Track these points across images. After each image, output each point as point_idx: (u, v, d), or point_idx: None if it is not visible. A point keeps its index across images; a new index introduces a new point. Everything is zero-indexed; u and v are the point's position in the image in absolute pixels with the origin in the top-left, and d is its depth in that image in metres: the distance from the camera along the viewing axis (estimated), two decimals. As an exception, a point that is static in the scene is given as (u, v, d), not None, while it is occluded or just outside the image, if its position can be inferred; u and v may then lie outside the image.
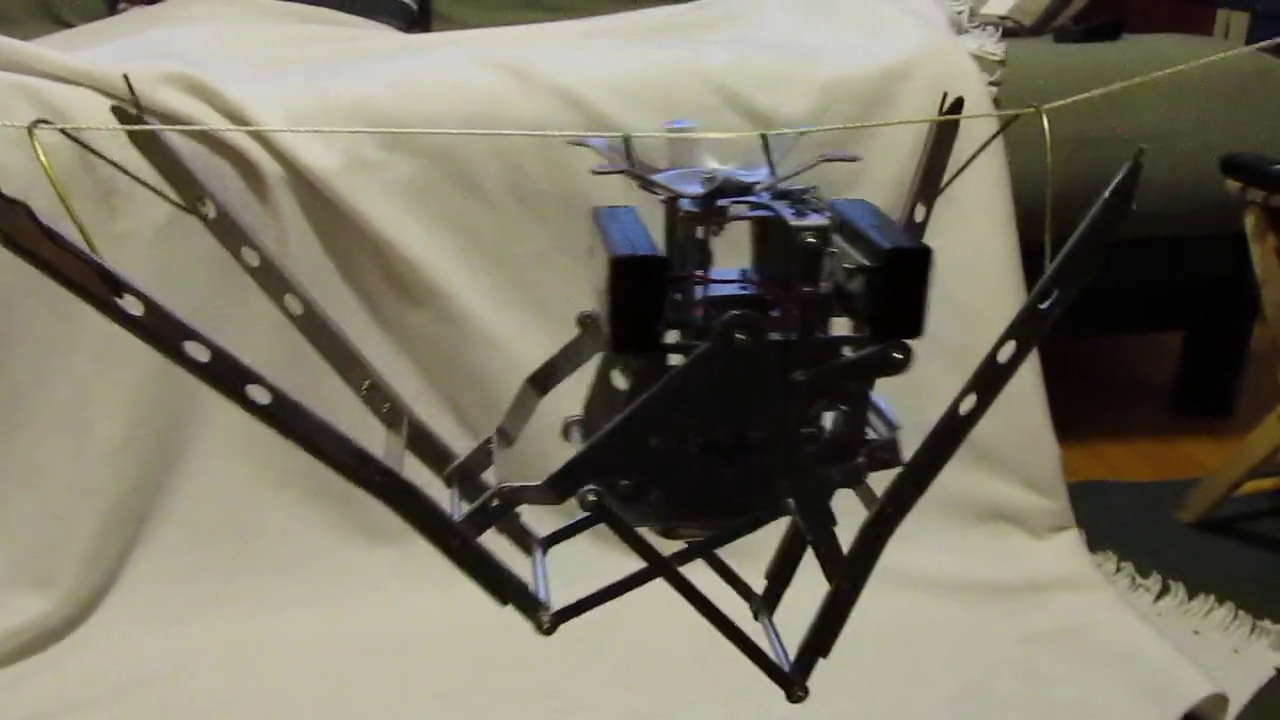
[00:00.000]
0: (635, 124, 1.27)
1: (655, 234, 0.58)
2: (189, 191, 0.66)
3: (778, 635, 0.68)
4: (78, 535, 1.21)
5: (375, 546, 1.30)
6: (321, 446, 0.55)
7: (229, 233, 0.67)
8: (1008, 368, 0.58)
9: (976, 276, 1.33)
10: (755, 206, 0.57)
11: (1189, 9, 2.04)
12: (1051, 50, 1.59)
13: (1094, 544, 1.37)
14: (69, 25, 1.90)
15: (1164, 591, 1.31)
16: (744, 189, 0.57)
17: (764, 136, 0.62)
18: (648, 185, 0.58)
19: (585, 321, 0.65)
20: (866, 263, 0.55)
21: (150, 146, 0.65)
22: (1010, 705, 1.10)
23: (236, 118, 1.23)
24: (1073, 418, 1.51)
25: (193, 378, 1.28)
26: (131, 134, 0.65)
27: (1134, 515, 1.49)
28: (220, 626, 1.23)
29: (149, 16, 1.72)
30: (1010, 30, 1.73)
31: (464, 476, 0.72)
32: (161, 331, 0.50)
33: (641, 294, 0.53)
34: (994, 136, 0.79)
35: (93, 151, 0.59)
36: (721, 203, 0.57)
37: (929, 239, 1.38)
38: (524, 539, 0.72)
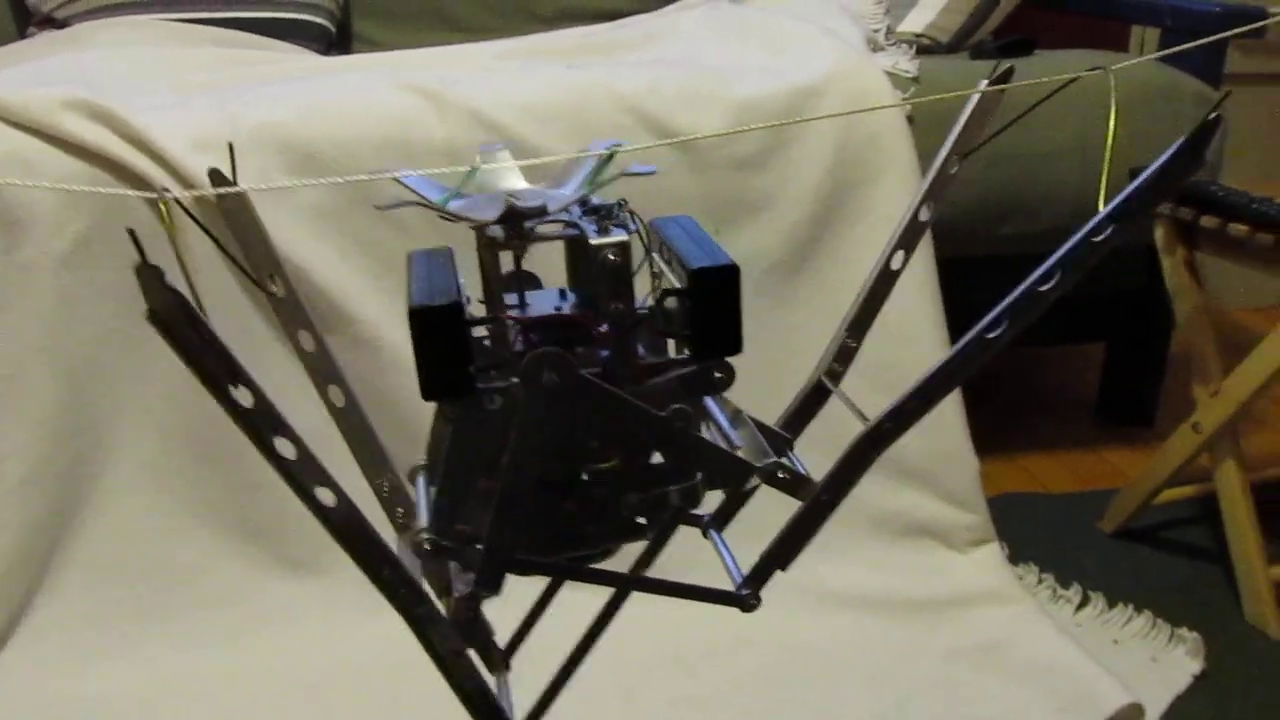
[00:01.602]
0: (548, 145, 1.26)
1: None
2: (265, 265, 0.65)
3: (729, 549, 0.67)
4: (-21, 575, 1.17)
5: (295, 579, 1.28)
6: (368, 555, 0.55)
7: (292, 314, 0.67)
8: (1044, 298, 0.57)
9: (894, 293, 1.33)
10: (561, 227, 0.56)
11: (1105, 25, 2.07)
12: (965, 67, 1.61)
13: (1016, 556, 1.38)
14: (-23, 51, 1.85)
15: (1084, 602, 1.32)
16: (538, 210, 0.55)
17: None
18: (445, 215, 0.57)
19: None
20: (677, 284, 0.55)
21: (234, 216, 0.63)
22: (930, 721, 1.10)
23: (140, 145, 1.21)
24: (997, 431, 1.53)
25: (101, 409, 1.25)
26: (223, 204, 0.63)
27: (1056, 526, 1.51)
28: (135, 668, 1.20)
29: (58, 40, 1.69)
30: (926, 48, 1.75)
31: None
32: (263, 425, 0.51)
33: (441, 341, 0.52)
34: (1053, 93, 0.77)
35: (194, 220, 0.57)
36: (529, 224, 0.55)
37: (846, 257, 1.39)
38: (492, 654, 0.72)
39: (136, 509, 1.24)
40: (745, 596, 0.62)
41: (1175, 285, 1.37)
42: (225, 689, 1.17)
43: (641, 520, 0.59)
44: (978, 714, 1.11)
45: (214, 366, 0.48)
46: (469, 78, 1.33)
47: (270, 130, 1.25)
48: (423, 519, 0.59)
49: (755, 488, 0.66)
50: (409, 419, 1.26)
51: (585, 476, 0.57)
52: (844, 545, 1.30)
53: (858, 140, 1.35)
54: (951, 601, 1.26)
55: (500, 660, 0.71)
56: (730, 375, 0.57)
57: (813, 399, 0.71)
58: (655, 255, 0.60)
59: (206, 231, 0.56)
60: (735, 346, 0.56)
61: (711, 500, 0.70)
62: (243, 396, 0.50)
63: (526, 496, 0.55)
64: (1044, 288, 0.56)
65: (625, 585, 0.62)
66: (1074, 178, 1.52)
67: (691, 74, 1.36)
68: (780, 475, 0.60)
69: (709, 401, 0.61)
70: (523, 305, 0.59)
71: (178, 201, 0.54)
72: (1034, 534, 1.47)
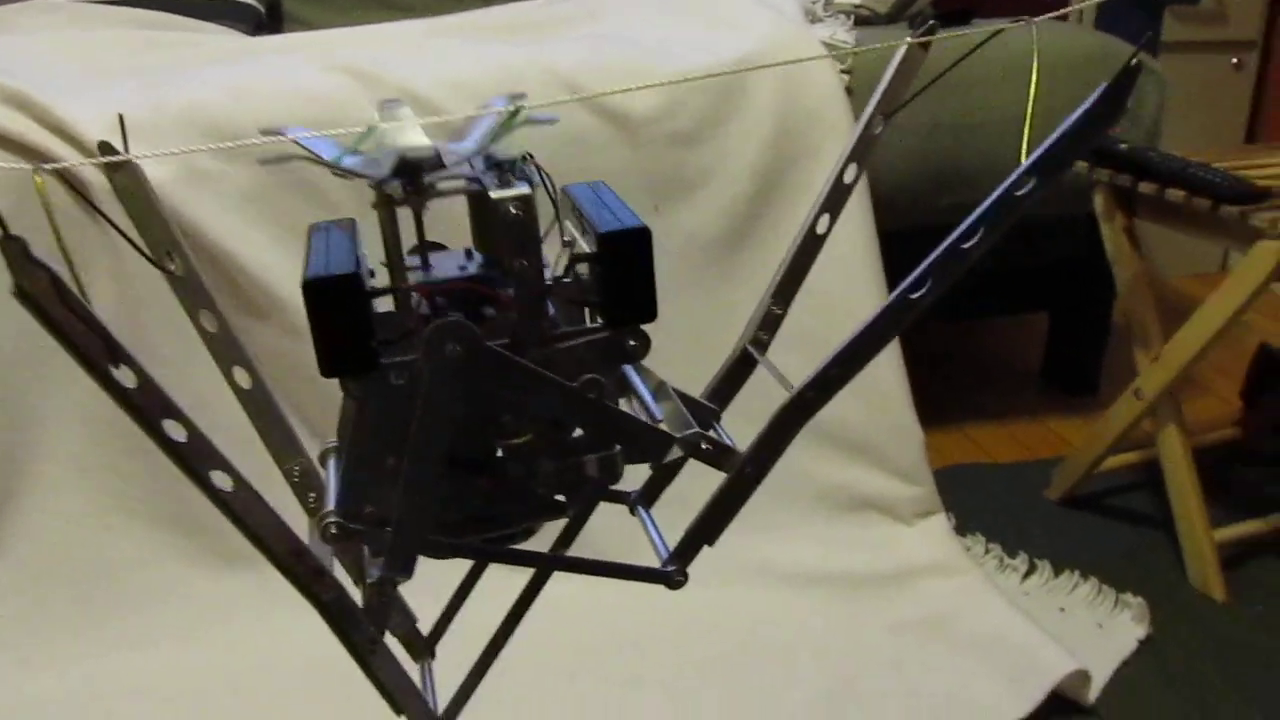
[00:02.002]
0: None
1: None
2: (159, 245, 0.62)
3: (656, 527, 0.64)
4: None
5: (233, 573, 1.25)
6: (267, 539, 0.53)
7: (193, 294, 0.64)
8: (966, 255, 0.54)
9: (834, 266, 1.32)
10: (461, 181, 0.53)
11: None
12: (903, 37, 1.60)
13: (963, 527, 1.38)
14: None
15: (1031, 570, 1.32)
16: (435, 162, 0.52)
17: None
18: (338, 171, 0.53)
19: None
20: (587, 248, 0.53)
21: (127, 194, 0.60)
22: (879, 696, 1.10)
23: (62, 132, 1.18)
24: (942, 403, 1.53)
25: (28, 402, 1.21)
26: (113, 179, 0.60)
27: (1003, 496, 1.51)
28: (69, 670, 1.17)
29: (-23, 27, 1.64)
30: (865, 19, 1.74)
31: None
32: (148, 407, 0.48)
33: (338, 315, 0.49)
34: (975, 49, 0.75)
35: (77, 191, 0.54)
36: (428, 179, 0.52)
37: (787, 232, 1.37)
38: (414, 641, 0.71)
39: (67, 506, 1.21)
40: (671, 573, 0.60)
41: (1115, 252, 1.37)
42: (162, 688, 1.14)
43: (560, 497, 0.57)
44: (925, 686, 1.11)
45: (91, 346, 0.45)
46: (401, 57, 1.31)
47: (196, 113, 1.22)
48: (330, 501, 0.57)
49: (681, 462, 0.65)
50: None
51: (499, 453, 0.55)
52: (789, 521, 1.29)
53: (796, 114, 1.34)
54: (898, 574, 1.26)
55: (424, 648, 0.69)
56: (645, 343, 0.55)
57: (739, 369, 0.69)
58: (568, 223, 0.58)
59: (94, 207, 0.53)
60: (649, 313, 0.54)
61: (639, 477, 0.69)
62: (125, 377, 0.47)
63: (436, 475, 0.53)
64: (966, 245, 0.54)
65: (545, 565, 0.61)
66: (1013, 147, 1.52)
67: (627, 49, 1.34)
68: (704, 447, 0.57)
69: (631, 374, 0.59)
70: (426, 268, 0.56)
71: (62, 176, 0.51)
72: (981, 504, 1.47)
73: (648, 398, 0.59)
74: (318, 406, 1.26)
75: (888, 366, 1.33)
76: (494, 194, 0.51)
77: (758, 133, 1.33)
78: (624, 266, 0.52)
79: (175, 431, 0.49)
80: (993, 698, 1.08)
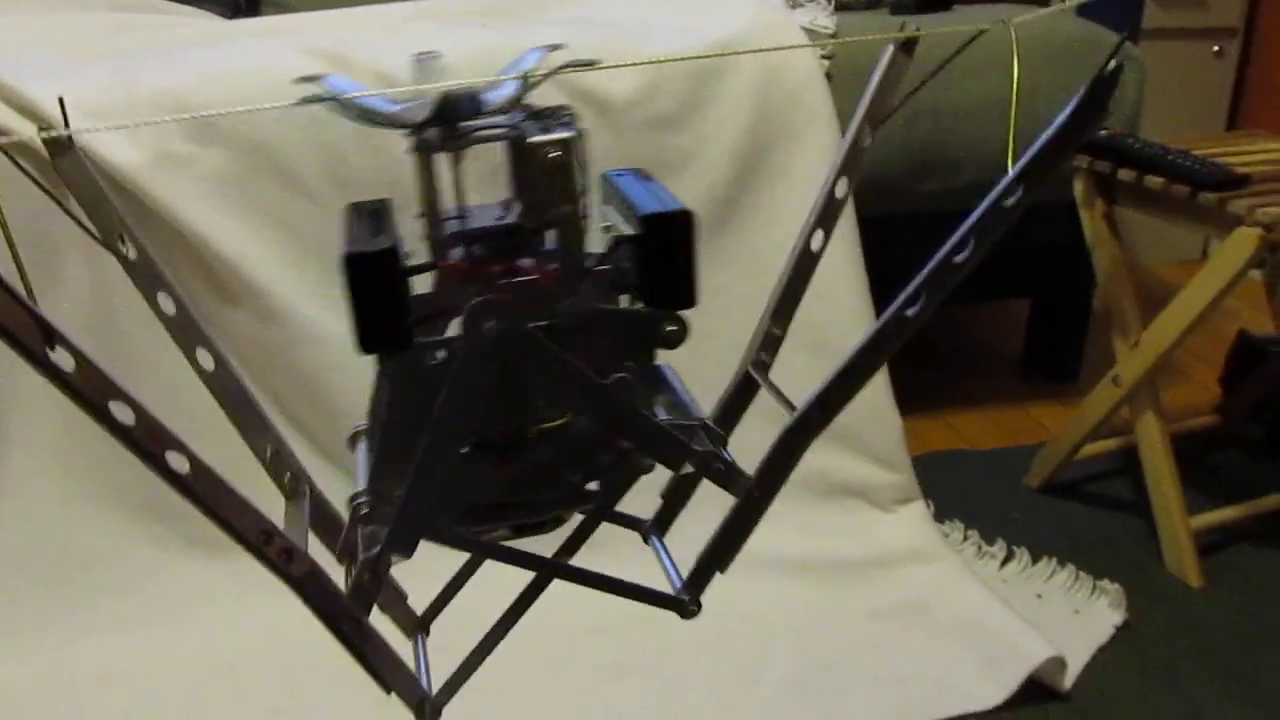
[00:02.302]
0: (459, 108, 1.23)
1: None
2: (108, 228, 0.61)
3: (669, 555, 0.64)
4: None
5: (204, 560, 1.24)
6: (231, 520, 0.51)
7: (147, 276, 0.62)
8: (960, 268, 0.54)
9: (818, 272, 1.32)
10: (497, 129, 0.52)
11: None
12: (884, 22, 1.60)
13: (943, 513, 1.38)
14: None
15: (1009, 557, 1.32)
16: (473, 106, 0.51)
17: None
18: (370, 118, 0.53)
19: None
20: (629, 231, 0.52)
21: (73, 176, 0.59)
22: (856, 682, 1.10)
23: (31, 113, 1.16)
24: (923, 389, 1.52)
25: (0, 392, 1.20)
26: (57, 164, 0.59)
27: (983, 483, 1.51)
28: (40, 657, 1.16)
29: (-52, 8, 1.62)
30: (845, 4, 1.73)
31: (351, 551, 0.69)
32: (89, 390, 0.46)
33: (375, 290, 0.49)
34: (957, 52, 0.73)
35: (22, 170, 0.53)
36: (465, 126, 0.51)
37: (768, 217, 1.37)
38: (405, 619, 0.70)
39: (38, 492, 1.20)
40: (685, 602, 0.59)
41: (1094, 238, 1.37)
42: (133, 676, 1.14)
43: (593, 487, 0.57)
44: (903, 672, 1.11)
45: (23, 329, 0.43)
46: (376, 40, 1.30)
47: (168, 97, 1.21)
48: (360, 482, 0.56)
49: (692, 488, 0.65)
50: (323, 392, 1.24)
51: (530, 437, 0.54)
52: (769, 507, 1.29)
53: (776, 99, 1.33)
54: (877, 561, 1.26)
55: (415, 625, 0.68)
56: (684, 329, 0.55)
57: (743, 391, 0.68)
58: (609, 209, 0.57)
59: (43, 188, 0.53)
60: (689, 298, 0.53)
61: (650, 505, 0.68)
62: (62, 360, 0.45)
63: (455, 454, 0.52)
64: (959, 258, 0.53)
65: (551, 574, 0.59)
66: (995, 132, 1.52)
67: (607, 33, 1.33)
68: (715, 465, 0.57)
69: (666, 372, 0.59)
70: (463, 218, 0.55)
71: (8, 155, 0.51)
72: (961, 491, 1.47)
73: (685, 397, 0.58)
74: (292, 392, 1.25)
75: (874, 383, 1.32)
76: (533, 139, 0.50)
77: (737, 118, 1.32)
78: (666, 250, 0.52)
79: (122, 414, 0.47)
80: (969, 683, 1.09)
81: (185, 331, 0.63)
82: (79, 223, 0.56)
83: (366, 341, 0.50)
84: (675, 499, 0.68)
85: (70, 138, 0.57)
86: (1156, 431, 1.32)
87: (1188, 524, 1.30)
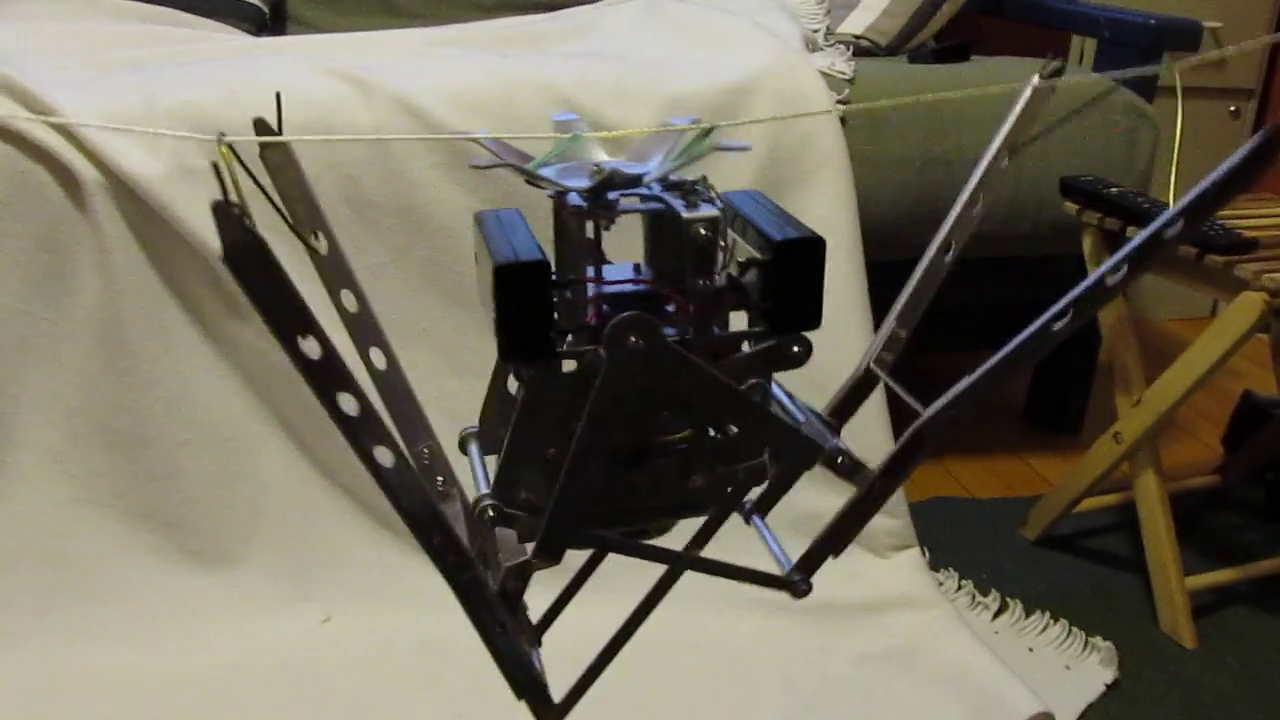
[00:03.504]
0: (473, 133, 1.24)
1: (543, 235, 0.56)
2: (307, 220, 0.63)
3: (772, 534, 0.67)
4: None
5: (203, 571, 1.25)
6: (418, 517, 0.54)
7: (336, 272, 0.64)
8: (1112, 290, 0.57)
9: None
10: (645, 199, 0.56)
11: (1046, 34, 2.08)
12: (901, 70, 1.61)
13: (938, 561, 1.38)
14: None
15: (1002, 609, 1.32)
16: (632, 181, 0.55)
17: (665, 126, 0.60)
18: (534, 181, 0.56)
19: None
20: (758, 255, 0.54)
21: (279, 168, 0.61)
22: (842, 728, 1.10)
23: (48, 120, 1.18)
24: (923, 435, 1.52)
25: (6, 393, 1.21)
26: (265, 155, 0.61)
27: (980, 532, 1.51)
28: (32, 661, 1.16)
29: (-23, 13, 1.64)
30: (865, 50, 1.75)
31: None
32: (325, 379, 0.50)
33: (526, 300, 0.51)
34: (1091, 102, 0.78)
35: (245, 167, 0.55)
36: (610, 196, 0.55)
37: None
38: (525, 628, 0.71)
39: (37, 497, 1.21)
40: (796, 582, 0.63)
41: (1101, 294, 1.37)
42: (125, 685, 1.14)
43: (703, 496, 0.59)
44: (888, 717, 1.11)
45: (284, 315, 0.47)
46: (396, 64, 1.31)
47: (188, 111, 1.22)
48: (481, 486, 0.59)
49: (798, 476, 0.67)
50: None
51: (656, 447, 0.57)
52: (762, 547, 1.29)
53: (790, 140, 1.34)
54: (868, 605, 1.26)
55: (532, 635, 0.70)
56: (808, 349, 0.57)
57: (861, 387, 0.71)
58: (729, 229, 0.59)
59: (255, 182, 0.54)
60: (815, 320, 0.56)
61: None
62: (311, 348, 0.48)
63: (603, 465, 0.55)
64: (1111, 280, 0.57)
65: (679, 564, 0.61)
66: (1006, 182, 1.53)
67: (623, 67, 1.34)
68: (840, 461, 0.60)
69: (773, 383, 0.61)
70: (599, 277, 0.58)
71: (231, 150, 0.52)
72: (957, 539, 1.47)
73: (789, 404, 0.61)
74: (296, 409, 1.25)
75: (870, 398, 1.32)
76: (686, 215, 0.53)
77: (751, 158, 1.33)
78: (797, 274, 0.54)
79: (348, 405, 0.50)
80: (955, 735, 1.08)
81: (363, 329, 0.65)
82: (279, 211, 0.59)
83: (512, 349, 0.53)
84: (780, 482, 0.70)
85: (281, 130, 0.59)
86: (1155, 490, 1.32)
87: (1183, 585, 1.30)
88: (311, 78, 1.27)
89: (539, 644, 0.69)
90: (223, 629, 1.21)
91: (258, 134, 0.60)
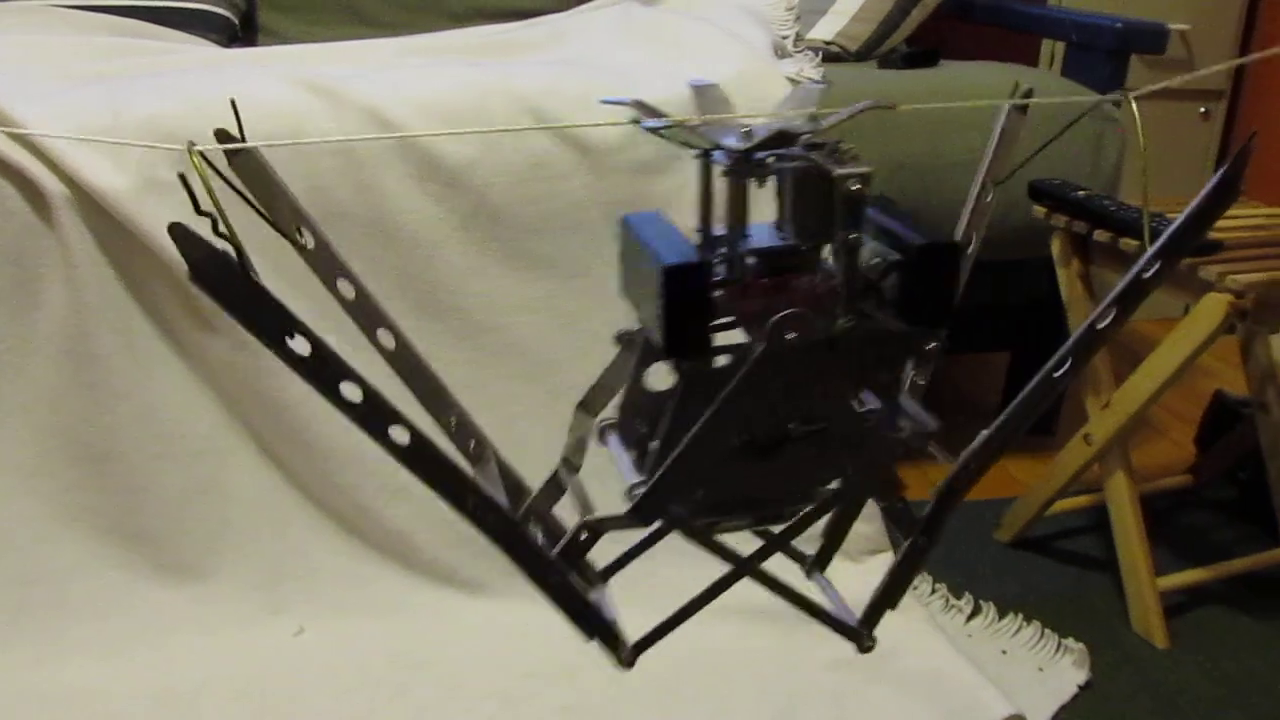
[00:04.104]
0: (444, 144, 1.24)
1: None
2: (287, 219, 0.64)
3: (834, 590, 0.71)
4: None
5: (175, 586, 1.24)
6: (448, 483, 0.56)
7: (325, 264, 0.66)
8: (1103, 334, 0.60)
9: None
10: (794, 160, 0.57)
11: (1016, 38, 2.09)
12: (871, 76, 1.62)
13: (911, 565, 1.38)
14: None
15: (975, 612, 1.33)
16: (789, 139, 0.56)
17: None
18: (689, 142, 0.57)
19: (624, 339, 0.65)
20: (899, 256, 0.56)
21: (248, 171, 0.62)
22: (815, 733, 1.10)
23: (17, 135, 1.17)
24: (897, 439, 1.52)
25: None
26: (234, 162, 0.62)
27: (954, 535, 1.51)
28: (1, 677, 1.15)
29: (-57, 26, 1.63)
30: (835, 55, 1.75)
31: (537, 512, 0.72)
32: (322, 372, 0.51)
33: (691, 301, 0.53)
34: (1075, 120, 0.80)
35: (220, 175, 0.55)
36: (759, 156, 0.56)
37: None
38: (585, 572, 0.72)
39: (6, 512, 1.20)
40: (863, 635, 0.68)
41: (1069, 298, 1.38)
42: (96, 701, 1.13)
43: (823, 489, 0.62)
44: (862, 724, 1.11)
45: (265, 320, 0.48)
46: (365, 74, 1.31)
47: (156, 123, 1.22)
48: (629, 474, 0.61)
49: (848, 530, 0.73)
50: (298, 423, 1.24)
51: (790, 438, 0.59)
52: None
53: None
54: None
55: (596, 577, 0.71)
56: (943, 346, 0.61)
57: None
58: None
59: (230, 185, 0.55)
60: (949, 319, 0.57)
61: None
62: (300, 346, 0.49)
63: (724, 447, 0.57)
64: (1101, 325, 0.60)
65: (742, 571, 0.64)
66: (987, 214, 1.53)
67: (593, 76, 1.34)
68: (896, 504, 0.64)
69: None
70: (745, 236, 0.59)
71: (203, 156, 0.52)
72: (931, 542, 1.48)
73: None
74: (267, 421, 1.25)
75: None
76: (839, 171, 0.54)
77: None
78: (935, 276, 0.56)
79: (352, 393, 0.51)
80: (928, 738, 1.09)
81: (365, 314, 0.66)
82: (261, 214, 0.59)
83: (676, 348, 0.54)
84: (833, 538, 0.75)
85: (244, 137, 0.60)
86: (1126, 491, 1.33)
87: (1154, 585, 1.31)
88: (281, 89, 1.27)
89: (605, 582, 0.70)
90: (195, 642, 1.20)
91: (220, 142, 0.60)
